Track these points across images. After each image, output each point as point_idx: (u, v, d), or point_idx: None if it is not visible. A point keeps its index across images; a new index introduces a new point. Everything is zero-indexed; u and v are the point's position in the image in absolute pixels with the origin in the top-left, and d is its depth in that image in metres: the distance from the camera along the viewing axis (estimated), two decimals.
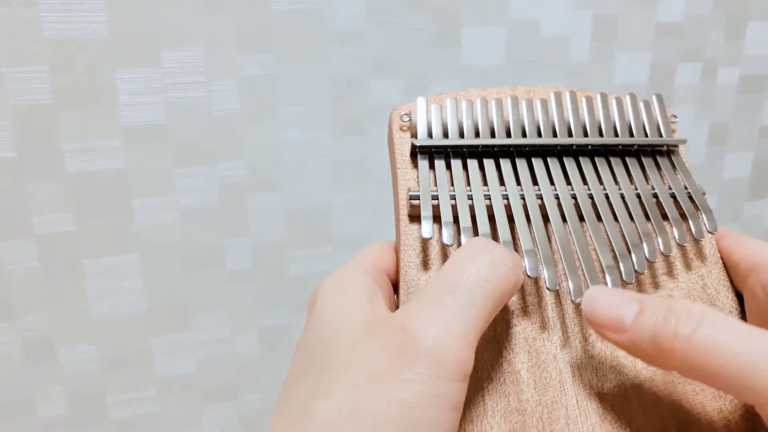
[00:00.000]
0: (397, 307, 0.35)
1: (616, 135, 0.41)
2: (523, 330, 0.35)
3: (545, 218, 0.37)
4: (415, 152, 0.39)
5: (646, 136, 0.41)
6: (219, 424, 0.78)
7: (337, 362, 0.29)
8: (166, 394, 0.76)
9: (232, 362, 0.77)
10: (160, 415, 0.76)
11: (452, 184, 0.38)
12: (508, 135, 0.40)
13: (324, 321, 0.32)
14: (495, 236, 0.36)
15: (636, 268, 0.36)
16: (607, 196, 0.38)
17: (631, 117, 0.42)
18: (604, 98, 0.42)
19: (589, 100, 0.42)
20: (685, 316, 0.28)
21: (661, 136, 0.41)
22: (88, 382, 0.72)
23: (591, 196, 0.38)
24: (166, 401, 0.76)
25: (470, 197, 0.37)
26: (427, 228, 0.36)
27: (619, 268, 0.35)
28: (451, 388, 0.27)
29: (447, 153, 0.39)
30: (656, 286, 0.37)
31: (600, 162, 0.40)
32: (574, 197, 0.38)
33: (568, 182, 0.39)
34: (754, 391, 0.26)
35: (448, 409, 0.27)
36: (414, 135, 0.40)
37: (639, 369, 0.34)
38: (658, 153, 0.41)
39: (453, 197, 0.37)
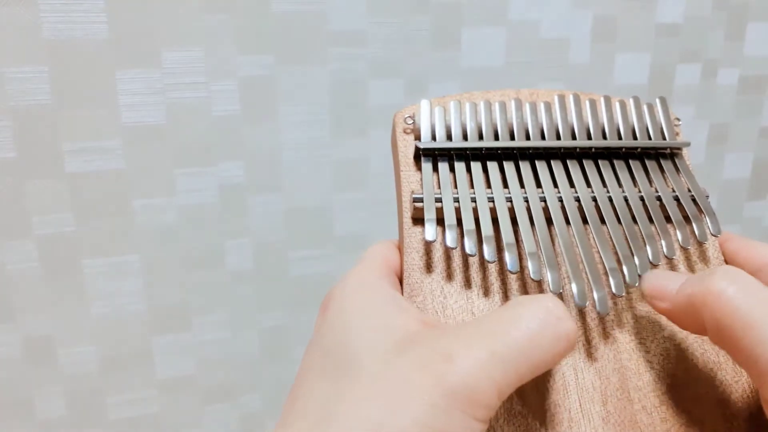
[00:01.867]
0: None
1: (620, 138, 0.41)
2: None
3: (549, 221, 0.37)
4: (419, 155, 0.39)
5: (650, 139, 0.41)
6: (219, 424, 0.78)
7: (364, 371, 0.29)
8: (166, 394, 0.76)
9: (232, 362, 0.77)
10: (160, 416, 0.76)
11: (456, 187, 0.38)
12: (512, 138, 0.40)
13: (347, 326, 0.32)
14: (498, 239, 0.36)
15: (639, 271, 0.36)
16: (610, 199, 0.38)
17: (634, 120, 0.42)
18: (608, 101, 0.42)
19: (593, 103, 0.42)
20: (721, 274, 0.29)
21: (664, 139, 0.41)
22: (88, 382, 0.72)
23: (594, 199, 0.38)
24: (166, 401, 0.76)
25: (473, 200, 0.37)
26: (430, 231, 0.36)
27: (622, 270, 0.35)
28: (473, 426, 0.27)
29: (450, 156, 0.39)
30: None
31: (603, 165, 0.40)
32: (578, 200, 0.38)
33: (572, 185, 0.39)
34: (761, 366, 0.27)
35: None
36: (417, 138, 0.40)
37: (642, 372, 0.34)
38: (661, 156, 0.41)
39: (456, 200, 0.37)
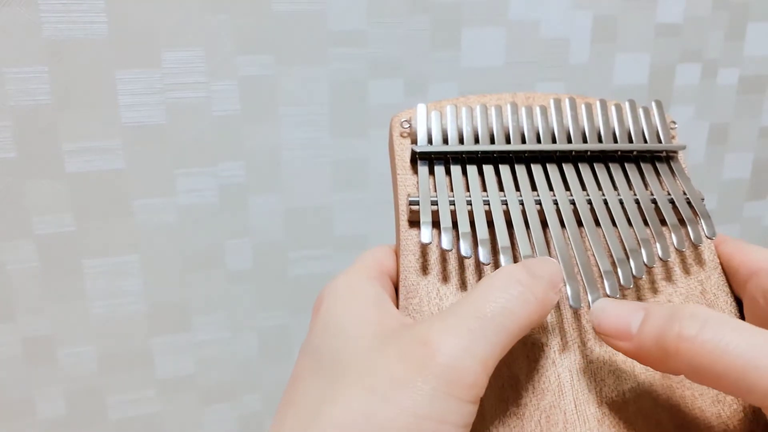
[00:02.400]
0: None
1: (615, 141, 0.41)
2: None
3: (544, 224, 0.37)
4: (415, 158, 0.39)
5: (646, 142, 0.41)
6: (219, 424, 0.78)
7: (350, 368, 0.30)
8: (166, 394, 0.76)
9: (232, 362, 0.77)
10: (160, 416, 0.76)
11: (452, 190, 0.38)
12: (508, 141, 0.40)
13: (335, 326, 0.32)
14: (494, 242, 0.37)
15: (634, 273, 0.36)
16: (605, 202, 0.38)
17: (630, 123, 0.42)
18: (604, 105, 0.42)
19: (589, 107, 0.42)
20: (688, 318, 0.28)
21: (660, 142, 0.42)
22: (88, 382, 0.72)
23: (590, 202, 0.38)
24: (166, 401, 0.76)
25: (469, 203, 0.37)
26: (426, 233, 0.36)
27: (617, 273, 0.35)
28: (463, 408, 0.28)
29: (447, 159, 0.39)
30: (655, 291, 0.37)
31: (599, 168, 0.40)
32: (573, 203, 0.38)
33: (567, 188, 0.39)
34: (759, 393, 0.26)
35: (458, 425, 0.28)
36: (414, 141, 0.40)
37: (637, 373, 0.34)
38: (657, 159, 0.41)
39: (452, 203, 0.37)
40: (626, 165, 0.41)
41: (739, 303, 0.38)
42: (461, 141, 0.40)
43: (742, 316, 0.38)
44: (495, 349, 0.29)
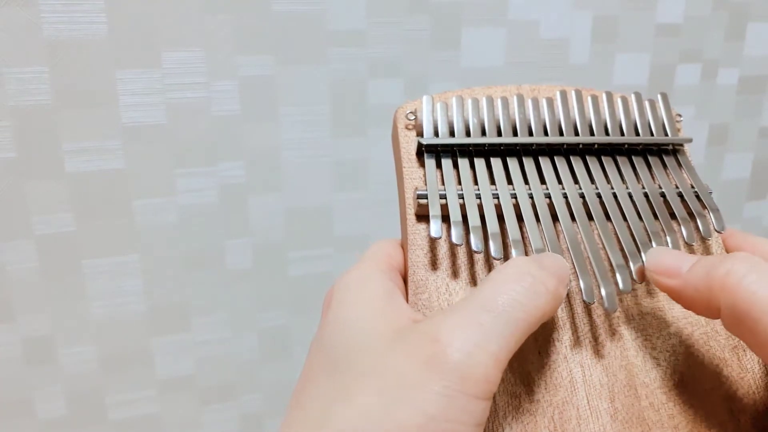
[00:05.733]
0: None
1: (622, 134, 0.41)
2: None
3: (554, 217, 0.37)
4: (422, 151, 0.39)
5: (652, 135, 0.41)
6: (219, 424, 0.78)
7: (360, 367, 0.29)
8: (166, 394, 0.75)
9: (232, 362, 0.77)
10: (160, 416, 0.76)
11: (459, 183, 0.38)
12: (515, 134, 0.40)
13: (345, 321, 0.32)
14: (504, 235, 0.36)
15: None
16: (615, 195, 0.38)
17: (636, 116, 0.42)
18: (610, 97, 0.42)
19: (595, 99, 0.41)
20: (740, 261, 0.29)
21: (666, 135, 0.41)
22: (88, 382, 0.72)
23: (599, 195, 0.38)
24: (166, 401, 0.76)
25: (478, 196, 0.37)
26: (435, 227, 0.35)
27: (629, 267, 0.35)
28: (476, 405, 0.27)
29: (454, 152, 0.39)
30: None
31: (607, 161, 0.40)
32: (582, 196, 0.38)
33: (576, 181, 0.39)
34: None
35: (470, 424, 0.27)
36: (420, 134, 0.39)
37: (649, 368, 0.34)
38: (664, 152, 0.41)
39: (461, 196, 0.37)
40: (634, 158, 0.40)
41: None
42: (468, 133, 0.40)
43: None
44: (507, 343, 0.28)
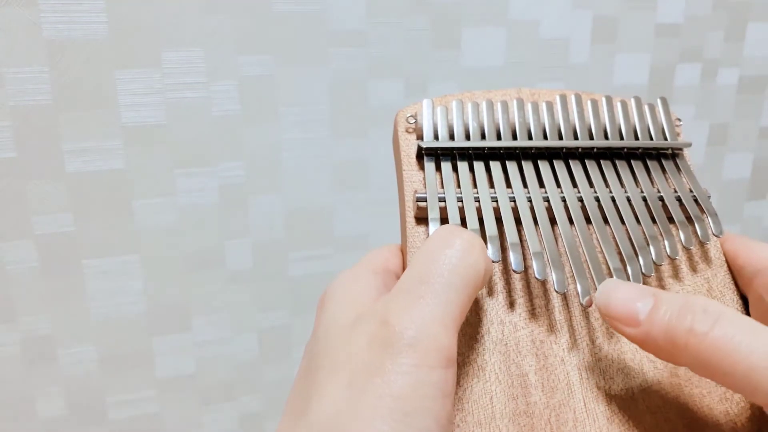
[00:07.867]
0: None
1: (621, 138, 0.41)
2: (530, 333, 0.35)
3: (552, 221, 0.37)
4: (422, 154, 0.39)
5: (651, 139, 0.41)
6: (219, 424, 0.78)
7: (330, 360, 0.30)
8: (166, 394, 0.75)
9: (232, 362, 0.77)
10: (160, 415, 0.76)
11: (459, 186, 0.38)
12: (514, 137, 0.40)
13: (328, 321, 0.32)
14: (503, 238, 0.36)
15: (644, 270, 0.36)
16: (613, 199, 0.38)
17: (636, 120, 0.42)
18: (609, 101, 0.42)
19: (594, 103, 0.42)
20: (701, 313, 0.28)
21: (665, 139, 0.42)
22: (88, 382, 0.72)
23: (597, 199, 0.38)
24: (166, 401, 0.76)
25: (477, 200, 0.37)
26: (434, 230, 0.36)
27: (626, 270, 0.35)
28: (436, 375, 0.27)
29: (453, 155, 0.39)
30: (662, 288, 0.37)
31: (606, 165, 0.40)
32: (581, 200, 0.38)
33: (575, 185, 0.39)
34: (763, 393, 0.26)
35: (437, 396, 0.27)
36: (420, 137, 0.40)
37: (646, 371, 0.34)
38: (663, 156, 0.41)
39: (460, 199, 0.37)
40: (633, 162, 0.40)
41: (744, 300, 0.38)
42: (467, 137, 0.40)
43: (747, 314, 0.38)
44: (450, 308, 0.29)
